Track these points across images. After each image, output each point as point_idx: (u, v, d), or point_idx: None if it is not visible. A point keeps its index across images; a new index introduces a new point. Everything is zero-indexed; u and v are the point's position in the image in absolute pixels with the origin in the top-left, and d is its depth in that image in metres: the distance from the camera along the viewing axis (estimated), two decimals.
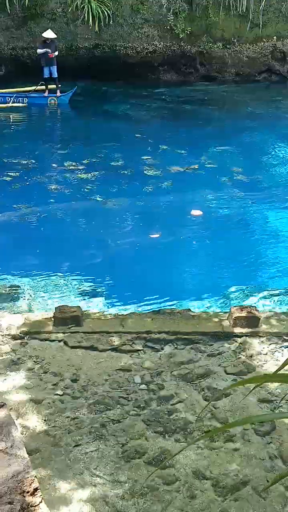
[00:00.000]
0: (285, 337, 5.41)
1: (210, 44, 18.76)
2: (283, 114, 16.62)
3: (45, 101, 16.18)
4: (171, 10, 17.87)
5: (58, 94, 16.19)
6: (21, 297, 6.70)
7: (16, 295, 6.73)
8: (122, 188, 10.37)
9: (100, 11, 17.11)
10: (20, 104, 15.89)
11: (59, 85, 16.13)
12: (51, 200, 9.88)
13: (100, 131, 14.53)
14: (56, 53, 15.76)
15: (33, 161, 11.62)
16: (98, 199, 9.93)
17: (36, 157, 11.87)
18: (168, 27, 18.02)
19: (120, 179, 10.79)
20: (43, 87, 16.14)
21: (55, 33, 15.77)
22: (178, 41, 18.29)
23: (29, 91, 16.17)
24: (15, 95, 15.88)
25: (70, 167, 11.46)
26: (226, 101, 17.78)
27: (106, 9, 17.17)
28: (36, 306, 6.51)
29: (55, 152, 12.73)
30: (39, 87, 16.16)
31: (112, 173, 11.12)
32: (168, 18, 17.91)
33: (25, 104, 15.95)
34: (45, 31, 15.73)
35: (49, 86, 16.13)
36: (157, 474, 3.88)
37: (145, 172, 11.20)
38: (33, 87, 16.17)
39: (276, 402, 4.52)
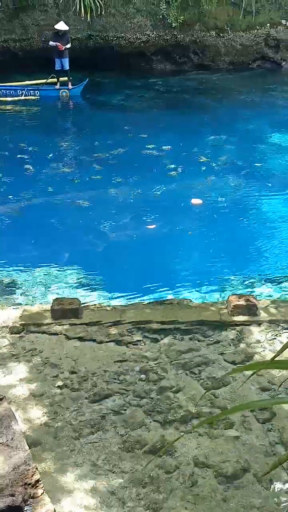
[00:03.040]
0: (283, 325, 5.42)
1: (203, 33, 18.63)
2: (278, 101, 16.55)
3: (56, 93, 16.14)
4: None
5: (70, 86, 16.16)
6: (19, 290, 6.69)
7: (13, 288, 6.72)
8: (120, 178, 10.33)
9: (91, 2, 16.98)
10: (32, 97, 15.90)
11: (70, 78, 16.11)
12: (47, 191, 9.84)
13: (95, 122, 14.48)
14: (68, 45, 15.70)
15: (30, 152, 11.58)
16: (95, 190, 9.89)
17: (33, 149, 11.83)
18: (160, 16, 17.89)
19: (118, 170, 10.76)
20: (54, 79, 16.11)
21: (67, 25, 15.75)
22: (171, 30, 18.15)
23: (40, 83, 16.15)
24: (26, 88, 15.89)
25: (67, 158, 11.44)
26: (221, 89, 17.68)
27: (98, 0, 17.04)
28: (34, 298, 6.50)
29: (53, 144, 12.63)
30: (50, 80, 16.13)
31: (110, 164, 11.09)
32: (161, 7, 17.77)
33: (37, 97, 15.95)
34: (57, 22, 15.70)
35: (61, 79, 16.10)
36: (158, 463, 3.89)
37: (142, 162, 11.18)
38: (44, 80, 16.14)
39: (275, 390, 4.53)
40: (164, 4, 17.71)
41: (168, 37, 18.34)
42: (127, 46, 18.23)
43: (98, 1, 17.03)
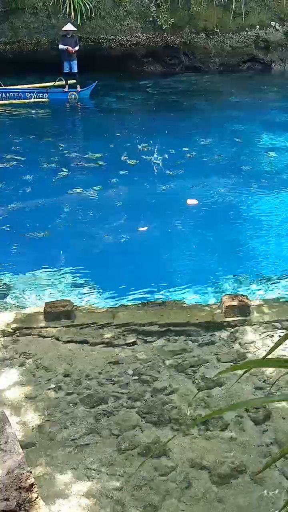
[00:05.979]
0: (276, 324, 5.43)
1: (193, 35, 18.71)
2: (268, 102, 16.62)
3: (65, 96, 16.19)
4: (153, 2, 17.78)
5: (79, 89, 16.23)
6: (11, 292, 6.66)
7: (5, 291, 6.68)
8: (112, 180, 10.33)
9: (81, 4, 17.00)
10: (42, 100, 15.99)
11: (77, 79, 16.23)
12: (39, 193, 9.81)
13: (87, 124, 14.48)
14: (77, 47, 15.77)
15: (19, 156, 11.54)
16: (87, 192, 9.87)
17: (24, 152, 11.79)
18: (150, 19, 17.95)
19: (110, 172, 10.75)
20: (62, 82, 16.13)
21: (75, 26, 15.88)
22: (161, 33, 18.22)
23: (49, 86, 16.23)
24: (36, 91, 15.97)
25: (57, 161, 11.41)
26: (211, 91, 17.74)
27: (88, 2, 17.05)
28: (26, 301, 6.46)
29: (40, 146, 12.61)
30: (58, 83, 16.18)
31: (102, 166, 11.08)
32: (151, 10, 17.83)
33: (47, 99, 16.03)
34: (64, 25, 15.78)
35: (69, 81, 16.18)
36: (153, 465, 3.87)
37: (134, 163, 11.18)
38: (52, 83, 16.24)
39: (268, 388, 4.53)
40: (154, 7, 17.77)
41: (158, 39, 18.40)
42: (118, 49, 18.25)
43: (88, 4, 17.04)
